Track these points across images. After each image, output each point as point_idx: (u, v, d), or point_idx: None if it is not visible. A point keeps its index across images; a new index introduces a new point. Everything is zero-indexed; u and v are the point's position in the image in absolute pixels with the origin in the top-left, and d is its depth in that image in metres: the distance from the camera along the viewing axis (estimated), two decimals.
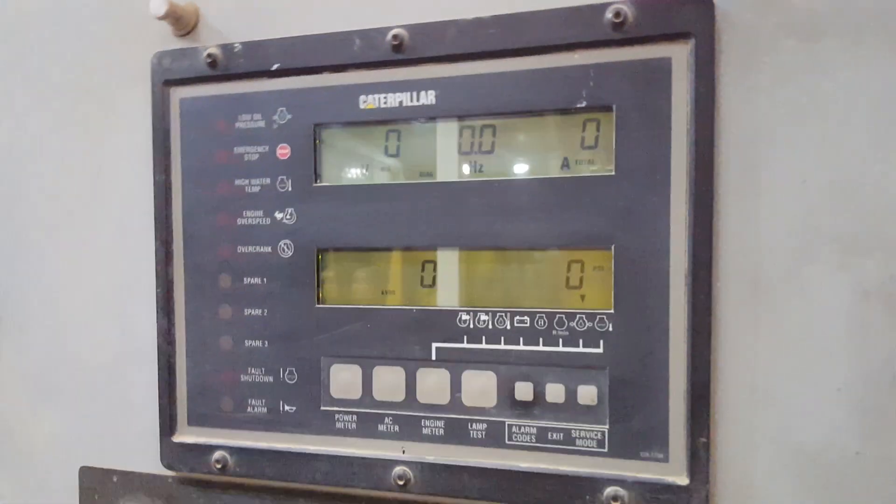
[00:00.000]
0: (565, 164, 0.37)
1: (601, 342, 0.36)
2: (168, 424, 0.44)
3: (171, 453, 0.44)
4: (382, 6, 0.39)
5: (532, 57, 0.36)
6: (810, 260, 0.34)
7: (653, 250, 0.35)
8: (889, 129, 0.33)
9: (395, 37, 0.38)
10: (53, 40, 0.46)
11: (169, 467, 0.44)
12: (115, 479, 0.47)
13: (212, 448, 0.43)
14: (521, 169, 0.38)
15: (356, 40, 0.39)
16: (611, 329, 0.36)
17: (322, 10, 0.40)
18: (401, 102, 0.39)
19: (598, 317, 0.36)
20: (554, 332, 0.37)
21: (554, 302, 0.37)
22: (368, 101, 0.39)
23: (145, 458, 0.46)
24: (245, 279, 0.42)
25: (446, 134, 0.39)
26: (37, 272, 0.48)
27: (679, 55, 0.34)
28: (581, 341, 0.37)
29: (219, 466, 0.43)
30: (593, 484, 0.36)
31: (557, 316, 0.37)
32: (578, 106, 0.36)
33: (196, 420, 0.44)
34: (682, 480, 0.35)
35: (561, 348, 0.37)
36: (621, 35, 0.35)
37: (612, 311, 0.36)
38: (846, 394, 0.34)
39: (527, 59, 0.36)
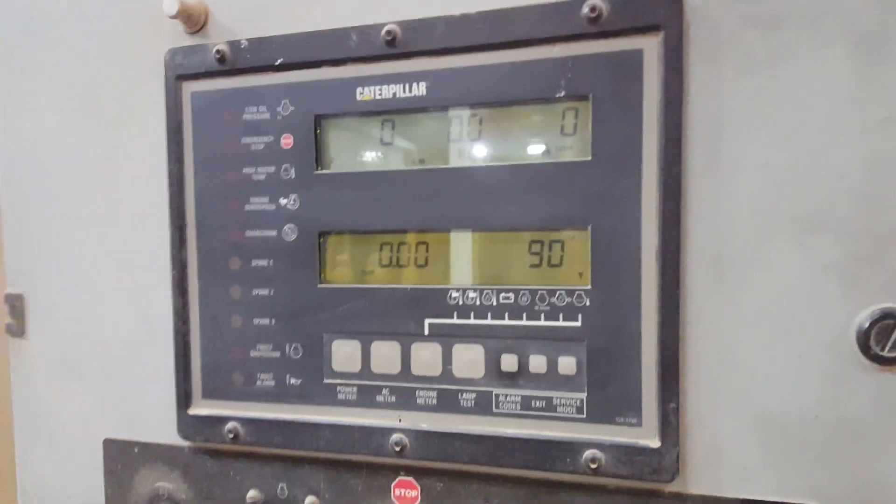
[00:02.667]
0: (547, 151, 0.43)
1: (579, 316, 0.42)
2: (184, 398, 0.51)
3: (187, 425, 0.51)
4: (377, 3, 0.45)
5: (515, 50, 0.42)
6: (771, 238, 0.39)
7: (626, 230, 0.41)
8: (843, 115, 0.37)
9: (388, 32, 0.44)
10: (73, 40, 0.53)
11: (185, 438, 0.51)
12: (136, 450, 0.55)
13: (224, 419, 0.50)
14: (506, 155, 0.44)
15: (353, 36, 0.45)
16: (588, 304, 0.42)
17: (321, 7, 0.46)
18: (395, 94, 0.45)
19: (577, 293, 0.42)
20: (536, 308, 0.43)
21: (536, 279, 0.43)
22: (365, 93, 0.45)
23: (163, 430, 0.53)
24: (253, 261, 0.49)
25: (437, 123, 0.45)
26: (61, 257, 0.55)
27: (650, 47, 0.40)
28: (561, 315, 0.42)
29: (231, 436, 0.50)
30: (573, 448, 0.42)
31: (539, 292, 0.43)
32: (558, 96, 0.41)
33: (209, 393, 0.51)
34: (655, 443, 0.41)
35: (542, 322, 0.43)
36: (596, 29, 0.40)
37: (589, 287, 0.42)
38: (806, 361, 0.39)
39: (510, 52, 0.42)
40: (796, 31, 0.38)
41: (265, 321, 0.49)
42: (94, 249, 0.54)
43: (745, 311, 0.39)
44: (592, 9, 0.40)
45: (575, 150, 0.42)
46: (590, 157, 0.41)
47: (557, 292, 0.42)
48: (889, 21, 0.36)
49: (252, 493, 0.50)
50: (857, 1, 0.37)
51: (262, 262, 0.48)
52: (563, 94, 0.41)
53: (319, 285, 0.47)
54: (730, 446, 0.40)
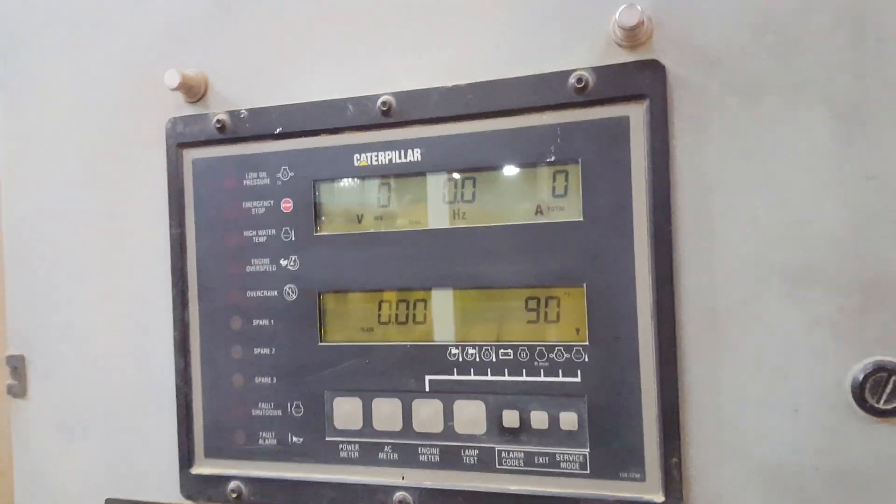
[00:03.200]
0: (539, 211, 0.42)
1: (578, 372, 0.41)
2: (186, 457, 0.48)
3: (190, 484, 0.48)
4: (372, 76, 0.44)
5: (505, 118, 0.41)
6: (764, 292, 0.38)
7: (621, 287, 0.40)
8: (827, 175, 0.37)
9: (383, 103, 0.43)
10: (77, 108, 0.52)
11: (188, 497, 0.49)
12: None
13: (227, 478, 0.47)
14: (500, 216, 0.43)
15: (349, 106, 0.44)
16: (587, 359, 0.40)
17: (318, 79, 0.45)
18: (391, 160, 0.44)
19: (575, 348, 0.41)
20: (535, 364, 0.41)
21: (534, 335, 0.42)
22: (362, 159, 0.44)
23: (166, 489, 0.50)
24: (254, 321, 0.47)
25: (432, 186, 0.44)
26: (63, 319, 0.53)
27: (636, 114, 0.39)
28: (560, 371, 0.41)
29: (234, 496, 0.47)
30: None
31: (538, 348, 0.41)
32: (548, 160, 0.41)
33: (212, 452, 0.48)
34: (658, 498, 0.39)
35: (542, 378, 0.41)
36: (584, 98, 0.40)
37: (586, 343, 0.40)
38: (803, 413, 0.38)
39: (501, 120, 0.41)
40: (777, 97, 0.37)
41: (267, 380, 0.47)
42: (96, 310, 0.52)
43: (742, 363, 0.38)
44: (579, 80, 0.39)
45: (567, 210, 0.41)
46: (581, 218, 0.40)
47: (556, 348, 0.41)
48: (864, 86, 0.36)
49: None
50: (833, 67, 0.37)
51: (264, 322, 0.47)
52: (553, 158, 0.41)
53: (320, 343, 0.46)
54: (732, 499, 0.39)
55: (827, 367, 0.37)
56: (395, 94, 0.43)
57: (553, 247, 0.41)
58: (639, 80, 0.39)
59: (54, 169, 0.53)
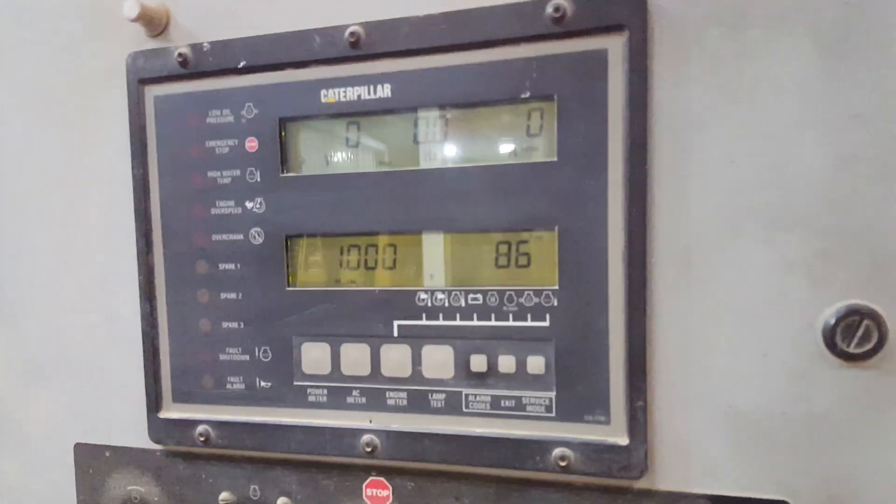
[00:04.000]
0: (513, 152, 0.38)
1: (547, 316, 0.37)
2: (154, 402, 0.45)
3: (158, 429, 0.45)
4: (340, 5, 0.39)
5: (479, 51, 0.37)
6: (738, 235, 0.35)
7: (592, 230, 0.36)
8: (810, 112, 0.33)
9: (352, 34, 0.38)
10: (32, 44, 0.46)
11: (156, 441, 0.45)
12: (107, 454, 0.48)
13: (195, 423, 0.44)
14: (472, 156, 0.39)
15: (316, 38, 0.39)
16: (556, 304, 0.37)
17: (284, 9, 0.40)
18: (359, 96, 0.39)
19: (544, 293, 0.37)
20: (504, 308, 0.38)
21: (504, 280, 0.38)
22: (329, 96, 0.40)
23: (135, 433, 0.47)
24: (220, 265, 0.43)
25: (402, 124, 0.39)
26: (27, 263, 0.49)
27: (614, 46, 0.35)
28: (529, 316, 0.38)
29: (202, 439, 0.44)
30: (543, 446, 0.37)
31: (507, 293, 0.38)
32: (523, 96, 0.37)
33: (180, 397, 0.45)
34: (623, 440, 0.36)
35: (511, 323, 0.38)
36: (561, 28, 0.35)
37: (556, 287, 0.37)
38: (772, 358, 0.35)
39: (475, 53, 0.37)
40: (762, 29, 0.33)
41: (234, 325, 0.43)
42: (60, 253, 0.48)
43: (712, 308, 0.35)
44: (556, 9, 0.35)
45: (541, 150, 0.37)
46: (556, 158, 0.36)
47: (525, 293, 0.37)
48: (855, 19, 0.32)
49: (224, 495, 0.45)
50: None
51: (230, 266, 0.42)
52: (528, 94, 0.36)
53: (287, 288, 0.42)
54: (698, 443, 0.36)
55: (799, 310, 0.34)
56: (363, 25, 0.38)
57: (526, 189, 0.37)
58: (618, 10, 0.34)
59: (10, 108, 0.47)
